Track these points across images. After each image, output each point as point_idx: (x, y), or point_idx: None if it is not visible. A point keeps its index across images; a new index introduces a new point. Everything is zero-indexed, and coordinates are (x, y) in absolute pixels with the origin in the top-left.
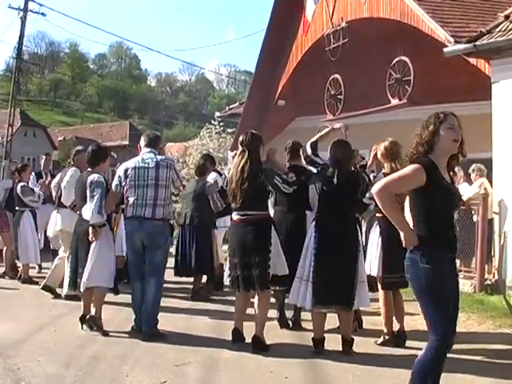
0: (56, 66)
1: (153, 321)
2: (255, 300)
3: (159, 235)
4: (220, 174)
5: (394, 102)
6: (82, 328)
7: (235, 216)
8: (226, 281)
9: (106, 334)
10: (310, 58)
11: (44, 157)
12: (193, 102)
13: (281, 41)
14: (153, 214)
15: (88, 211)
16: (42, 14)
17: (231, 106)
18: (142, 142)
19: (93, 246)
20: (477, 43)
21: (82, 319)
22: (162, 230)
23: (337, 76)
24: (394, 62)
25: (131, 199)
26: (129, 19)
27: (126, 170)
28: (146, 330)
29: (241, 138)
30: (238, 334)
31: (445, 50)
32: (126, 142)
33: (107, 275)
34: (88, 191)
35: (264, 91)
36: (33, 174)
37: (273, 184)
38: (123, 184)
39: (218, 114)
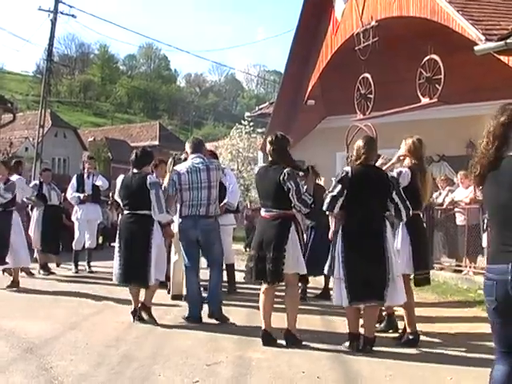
0: (86, 67)
1: (219, 305)
2: (286, 295)
3: (212, 231)
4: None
5: (425, 100)
6: (134, 321)
7: (262, 212)
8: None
9: (157, 323)
10: (340, 57)
11: (86, 158)
12: (222, 102)
13: (310, 40)
14: (206, 212)
15: (158, 213)
16: (73, 15)
17: (261, 106)
18: (188, 148)
19: (153, 243)
20: (508, 41)
21: (134, 313)
22: (214, 227)
23: (367, 75)
24: (425, 60)
25: (186, 200)
26: (158, 19)
27: (179, 175)
28: (214, 313)
29: (269, 139)
30: (267, 336)
31: (476, 48)
32: (156, 143)
33: (162, 270)
34: (153, 191)
35: (294, 91)
36: (74, 176)
37: (287, 186)
38: (177, 187)
39: (247, 114)
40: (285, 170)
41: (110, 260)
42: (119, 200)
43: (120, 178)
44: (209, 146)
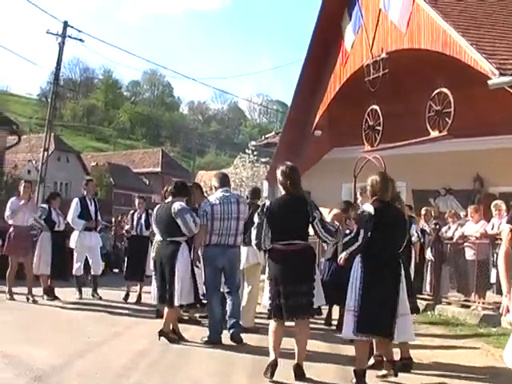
0: (90, 92)
1: (239, 325)
2: (297, 329)
3: (237, 260)
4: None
5: (434, 133)
6: (160, 339)
7: (277, 245)
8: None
9: (176, 341)
10: (348, 88)
11: (88, 181)
12: (225, 130)
13: (319, 70)
14: (234, 242)
15: (187, 231)
16: (80, 40)
17: (267, 136)
18: (216, 182)
19: (178, 267)
20: None
21: (161, 333)
22: (238, 256)
23: (375, 107)
24: (435, 93)
25: (216, 229)
26: (163, 46)
27: (212, 206)
28: (235, 332)
29: (283, 169)
30: (276, 366)
31: (489, 82)
32: (158, 169)
33: (186, 295)
34: (178, 219)
35: (300, 121)
36: (76, 199)
37: (313, 216)
38: (208, 217)
39: (253, 143)
40: (308, 200)
41: (114, 286)
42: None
43: (156, 208)
44: (211, 174)
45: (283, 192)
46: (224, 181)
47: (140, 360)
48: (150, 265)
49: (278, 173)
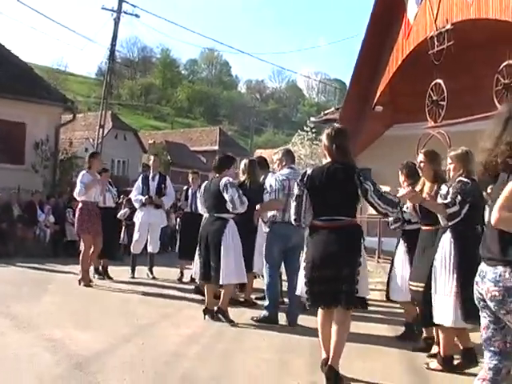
0: (147, 71)
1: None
2: (333, 324)
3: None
4: None
5: None
6: (205, 318)
7: (318, 221)
8: None
9: (234, 324)
10: (411, 62)
11: (152, 157)
12: (282, 109)
13: (380, 45)
14: None
15: (231, 207)
16: (136, 15)
17: (326, 112)
18: (284, 158)
19: (225, 244)
20: None
21: (206, 311)
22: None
23: (439, 81)
24: (502, 66)
25: (288, 207)
26: (221, 23)
27: (289, 181)
28: (294, 314)
29: (328, 132)
30: (334, 373)
31: None
32: (216, 147)
33: (235, 273)
34: (224, 192)
35: (361, 96)
36: (140, 175)
37: (363, 187)
38: (285, 192)
39: (312, 119)
40: (357, 169)
41: (171, 266)
42: (201, 205)
43: (204, 183)
44: (269, 152)
45: (328, 159)
46: (292, 157)
47: (189, 346)
48: None
49: (324, 136)
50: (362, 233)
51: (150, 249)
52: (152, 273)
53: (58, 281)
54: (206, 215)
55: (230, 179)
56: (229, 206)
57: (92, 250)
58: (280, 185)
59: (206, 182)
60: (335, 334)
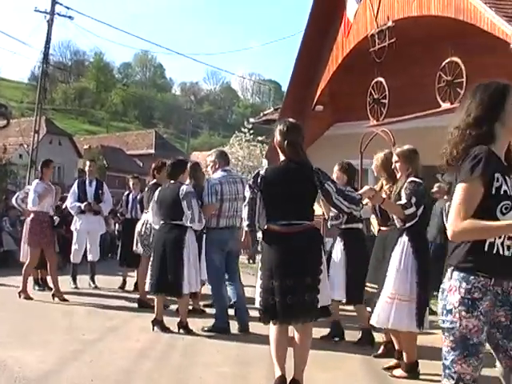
0: (81, 75)
1: (247, 313)
2: (296, 334)
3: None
4: None
5: (445, 105)
6: (153, 330)
7: (275, 226)
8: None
9: (194, 334)
10: (352, 60)
11: (88, 163)
12: (217, 111)
13: (319, 43)
14: (240, 223)
15: (189, 220)
16: (70, 17)
17: (265, 112)
18: (219, 159)
19: (187, 253)
20: None
21: (154, 322)
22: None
23: (380, 79)
24: (445, 63)
25: (225, 211)
26: (155, 26)
27: (221, 185)
28: (244, 321)
29: (281, 128)
30: (285, 382)
31: None
32: (152, 151)
33: (194, 282)
34: (184, 202)
35: (301, 96)
36: (76, 181)
37: (325, 188)
38: (218, 197)
39: (251, 120)
40: (315, 169)
41: (112, 274)
42: (151, 211)
43: (158, 189)
44: (205, 154)
45: (282, 157)
46: (226, 159)
47: (141, 362)
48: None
49: (276, 132)
50: (322, 237)
51: (90, 257)
52: (94, 282)
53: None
54: (156, 222)
55: (191, 188)
56: (186, 218)
57: (48, 264)
58: (212, 189)
59: (161, 187)
60: (299, 346)
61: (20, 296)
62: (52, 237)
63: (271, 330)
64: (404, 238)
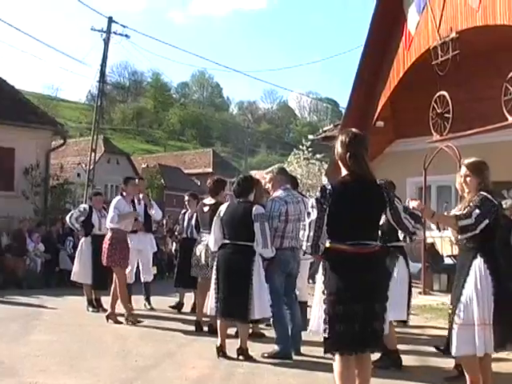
0: (139, 95)
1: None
2: (360, 367)
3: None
4: None
5: None
6: (218, 357)
7: (343, 245)
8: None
9: (253, 360)
10: (413, 74)
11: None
12: (275, 129)
13: (380, 58)
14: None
15: (261, 247)
16: (126, 35)
17: (325, 129)
18: (281, 177)
19: (256, 275)
20: None
21: (219, 349)
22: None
23: (444, 93)
24: (511, 74)
25: (289, 232)
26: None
27: (286, 205)
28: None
29: (342, 138)
30: None
31: None
32: (210, 170)
33: (264, 307)
34: (258, 224)
35: (361, 112)
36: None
37: (394, 206)
38: (282, 219)
39: (310, 136)
40: (382, 184)
41: (167, 295)
42: (218, 229)
43: (224, 206)
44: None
45: (343, 171)
46: (288, 176)
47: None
48: None
49: (337, 143)
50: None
51: (143, 278)
52: (150, 303)
53: (47, 315)
54: (217, 241)
55: (263, 210)
56: (257, 243)
57: (118, 285)
58: (276, 212)
59: (227, 205)
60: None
61: (107, 320)
62: (127, 257)
63: (337, 363)
64: (478, 261)
